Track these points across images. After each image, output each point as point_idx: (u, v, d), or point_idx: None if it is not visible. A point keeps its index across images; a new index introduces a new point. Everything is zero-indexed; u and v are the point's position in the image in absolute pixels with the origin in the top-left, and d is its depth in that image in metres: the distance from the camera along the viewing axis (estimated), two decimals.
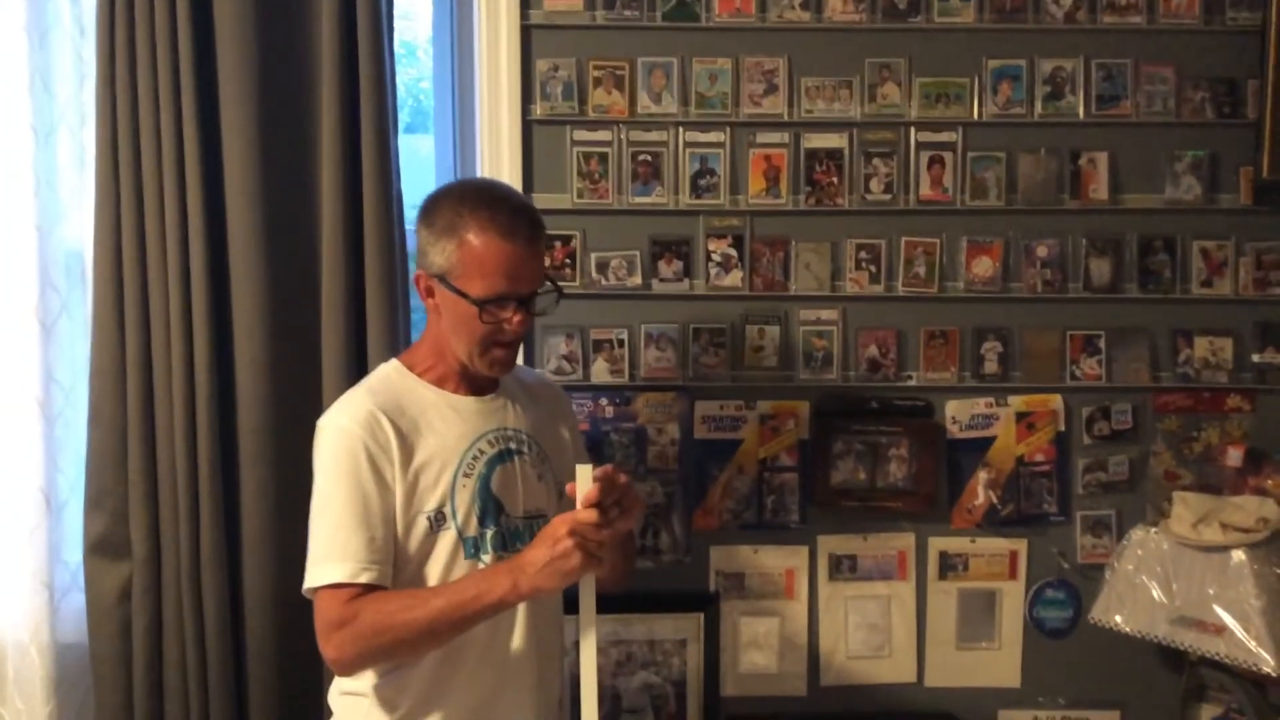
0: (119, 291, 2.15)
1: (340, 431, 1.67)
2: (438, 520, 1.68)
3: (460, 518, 1.69)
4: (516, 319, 1.67)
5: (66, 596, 2.27)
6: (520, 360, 2.25)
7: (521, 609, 1.72)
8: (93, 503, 2.19)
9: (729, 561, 2.34)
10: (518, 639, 1.73)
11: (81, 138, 2.23)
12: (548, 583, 1.58)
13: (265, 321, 2.16)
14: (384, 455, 1.65)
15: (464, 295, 1.65)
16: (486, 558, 1.69)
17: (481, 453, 1.72)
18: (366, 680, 1.72)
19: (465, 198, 1.68)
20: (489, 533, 1.70)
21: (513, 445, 1.75)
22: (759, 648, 2.35)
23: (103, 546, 2.19)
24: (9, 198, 2.18)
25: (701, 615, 2.32)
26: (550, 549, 1.57)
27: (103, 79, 2.12)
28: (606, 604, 1.96)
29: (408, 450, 1.67)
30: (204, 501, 2.16)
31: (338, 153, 2.15)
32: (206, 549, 2.16)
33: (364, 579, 1.62)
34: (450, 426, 1.72)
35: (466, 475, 1.70)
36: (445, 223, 1.67)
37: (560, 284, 1.78)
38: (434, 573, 1.69)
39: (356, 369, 2.15)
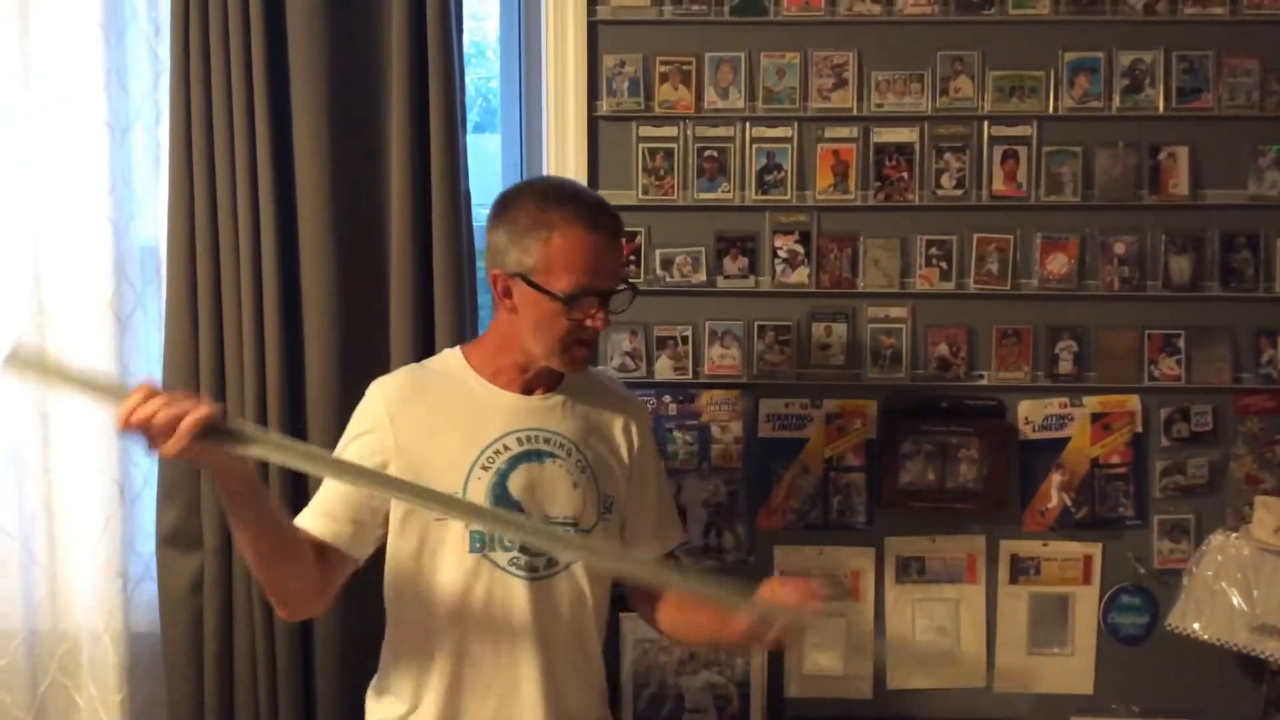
0: (192, 286, 2.18)
1: (367, 396, 1.75)
2: None
3: None
4: (600, 315, 1.66)
5: (139, 586, 2.32)
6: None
7: (527, 622, 1.69)
8: (165, 494, 2.23)
9: (793, 562, 2.32)
10: (522, 655, 1.70)
11: (156, 135, 2.27)
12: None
13: (335, 317, 2.19)
14: (391, 427, 1.69)
15: (548, 293, 1.64)
16: (495, 555, 1.68)
17: (505, 448, 1.69)
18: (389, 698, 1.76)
19: (548, 195, 1.68)
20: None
21: (545, 447, 1.71)
22: (824, 649, 2.33)
23: (175, 538, 2.23)
24: (86, 194, 2.22)
25: None
26: None
27: (177, 77, 2.16)
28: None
29: (424, 432, 1.69)
30: (273, 493, 2.18)
31: (407, 151, 2.16)
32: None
33: (315, 525, 1.67)
34: (480, 418, 1.71)
35: (484, 468, 1.68)
36: (529, 220, 1.66)
37: (634, 282, 1.76)
38: (443, 560, 1.69)
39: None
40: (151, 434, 1.40)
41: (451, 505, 1.63)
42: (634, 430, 1.83)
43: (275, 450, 1.54)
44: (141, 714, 2.30)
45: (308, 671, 2.24)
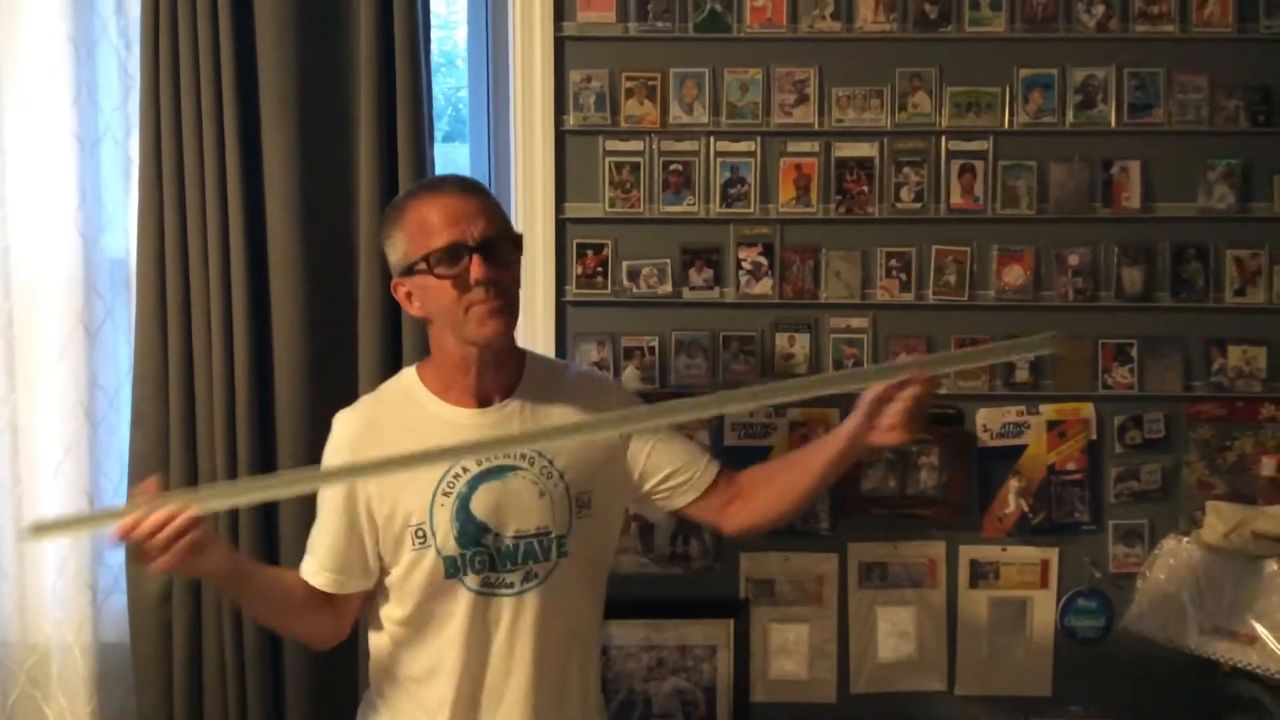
0: (161, 298, 2.19)
1: (331, 440, 1.76)
2: (419, 538, 1.68)
3: (439, 537, 1.68)
4: (476, 265, 1.61)
5: (109, 598, 2.32)
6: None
7: (510, 638, 1.70)
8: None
9: (759, 568, 2.35)
10: (506, 671, 1.72)
11: (126, 148, 2.28)
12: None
13: (304, 329, 2.20)
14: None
15: (418, 263, 1.64)
16: (468, 579, 1.69)
17: (465, 470, 1.68)
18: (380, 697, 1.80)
19: (403, 194, 1.76)
20: (469, 554, 1.68)
21: (506, 461, 1.69)
22: (789, 654, 2.36)
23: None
24: (56, 206, 2.23)
25: (731, 621, 2.33)
26: None
27: (147, 91, 2.17)
28: (638, 609, 1.99)
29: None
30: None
31: (374, 163, 2.18)
32: (245, 552, 2.20)
33: (316, 581, 1.71)
34: (437, 441, 1.67)
35: (445, 494, 1.68)
36: (391, 222, 1.71)
37: (518, 240, 1.72)
38: (418, 589, 1.70)
39: (392, 376, 2.17)
40: (143, 544, 1.51)
41: (435, 457, 1.65)
42: (617, 404, 1.81)
43: (247, 493, 1.67)
44: None
45: (277, 682, 2.25)
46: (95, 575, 2.28)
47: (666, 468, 1.81)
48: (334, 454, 1.75)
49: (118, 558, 2.28)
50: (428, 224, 1.64)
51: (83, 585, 2.26)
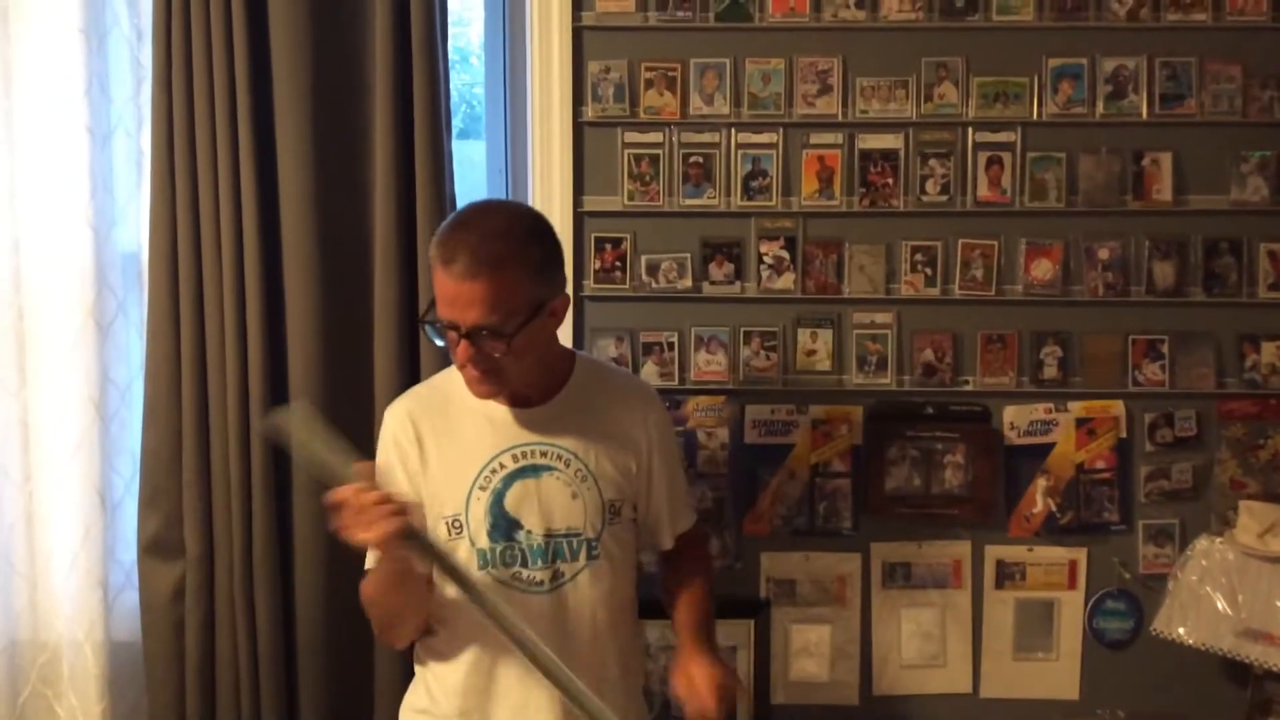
0: (174, 293, 2.17)
1: (383, 426, 1.78)
2: (455, 527, 1.70)
3: (473, 529, 1.70)
4: (462, 347, 1.62)
5: (121, 595, 2.30)
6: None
7: (539, 634, 1.66)
8: (147, 503, 2.22)
9: (780, 568, 2.32)
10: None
11: (138, 140, 2.26)
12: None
13: (318, 323, 2.18)
14: (409, 453, 1.73)
15: (431, 314, 1.66)
16: (495, 572, 1.69)
17: (502, 466, 1.70)
18: (423, 697, 1.78)
19: (440, 227, 1.68)
20: (499, 548, 1.69)
21: (542, 461, 1.71)
22: (810, 655, 2.33)
23: (157, 546, 2.22)
24: (67, 199, 2.21)
25: (752, 622, 2.30)
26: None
27: (159, 83, 2.15)
28: (657, 609, 1.96)
29: (432, 454, 1.72)
30: (256, 501, 2.18)
31: (391, 156, 2.16)
32: (259, 548, 2.18)
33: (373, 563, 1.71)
34: (478, 436, 1.71)
35: (482, 488, 1.70)
36: (431, 244, 1.69)
37: (509, 335, 1.61)
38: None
39: (408, 372, 2.15)
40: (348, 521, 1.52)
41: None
42: (650, 424, 1.80)
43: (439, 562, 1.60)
44: None
45: (290, 680, 2.23)
46: (106, 572, 2.26)
47: (649, 511, 1.83)
48: (387, 445, 1.75)
49: (130, 554, 2.26)
50: (438, 285, 1.63)
51: (94, 583, 2.24)
